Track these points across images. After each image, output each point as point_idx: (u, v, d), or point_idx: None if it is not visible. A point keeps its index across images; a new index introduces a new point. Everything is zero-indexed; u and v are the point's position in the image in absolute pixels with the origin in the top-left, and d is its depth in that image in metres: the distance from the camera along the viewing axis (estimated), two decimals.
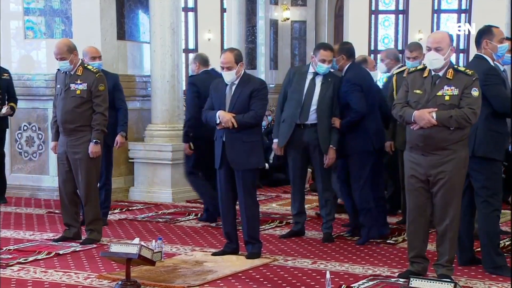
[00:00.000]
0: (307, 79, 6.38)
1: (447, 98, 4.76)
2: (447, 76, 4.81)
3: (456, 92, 4.76)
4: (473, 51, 20.66)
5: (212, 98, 5.77)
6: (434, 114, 4.73)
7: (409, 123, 4.88)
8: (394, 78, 6.92)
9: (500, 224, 5.41)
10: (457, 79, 4.79)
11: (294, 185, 6.60)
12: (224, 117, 5.54)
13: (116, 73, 7.61)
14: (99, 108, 6.16)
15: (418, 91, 4.88)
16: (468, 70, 4.88)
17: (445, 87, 4.78)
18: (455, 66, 4.89)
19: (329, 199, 6.49)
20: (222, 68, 5.63)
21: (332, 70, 6.45)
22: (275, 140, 6.54)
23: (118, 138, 7.09)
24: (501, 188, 5.25)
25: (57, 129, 6.33)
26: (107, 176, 7.20)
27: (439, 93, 4.79)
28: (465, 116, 4.71)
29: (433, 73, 4.87)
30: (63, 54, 6.14)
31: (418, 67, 5.07)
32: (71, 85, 6.15)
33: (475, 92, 4.76)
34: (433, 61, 4.81)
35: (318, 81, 6.35)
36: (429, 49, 4.83)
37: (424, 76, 4.89)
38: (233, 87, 5.65)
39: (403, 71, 6.87)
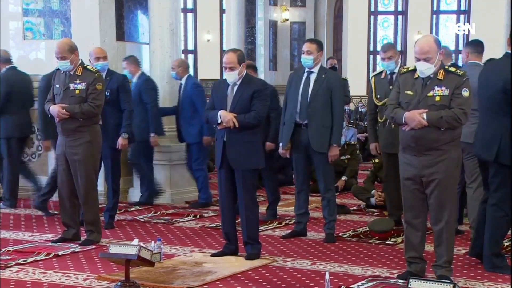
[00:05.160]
0: (303, 78, 6.40)
1: (437, 98, 4.77)
2: (438, 77, 4.81)
3: (446, 92, 4.76)
4: None
5: (214, 98, 5.77)
6: (424, 115, 4.74)
7: (401, 124, 4.90)
8: (372, 80, 7.02)
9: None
10: (448, 79, 4.80)
11: (298, 185, 6.60)
12: (225, 117, 5.54)
13: (124, 74, 7.62)
14: (90, 102, 6.10)
15: (409, 92, 4.89)
16: (459, 71, 4.89)
17: (436, 88, 4.79)
18: (446, 67, 4.89)
19: (331, 200, 6.49)
20: (225, 68, 5.62)
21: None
22: (281, 144, 6.55)
23: (120, 140, 7.07)
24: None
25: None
26: (114, 180, 7.20)
27: (430, 93, 4.80)
28: (456, 116, 4.72)
29: None
30: (64, 53, 6.13)
31: (410, 68, 5.06)
32: (70, 85, 6.14)
33: (466, 93, 4.76)
34: (424, 71, 4.82)
35: (312, 78, 6.37)
36: (417, 59, 4.83)
37: (415, 77, 4.90)
38: (235, 88, 5.65)
39: (381, 72, 6.98)
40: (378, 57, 22.17)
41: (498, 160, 5.14)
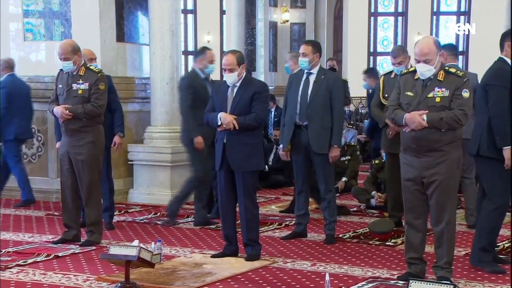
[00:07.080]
0: (302, 79, 6.40)
1: (437, 99, 4.78)
2: (438, 78, 4.81)
3: (446, 93, 4.77)
4: (473, 53, 20.66)
5: (214, 100, 5.77)
6: (424, 116, 4.74)
7: (401, 126, 4.90)
8: (381, 79, 7.01)
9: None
10: (448, 80, 4.80)
11: (298, 186, 6.60)
12: (225, 118, 5.54)
13: (109, 75, 7.58)
14: (93, 102, 6.12)
15: (409, 93, 4.89)
16: (459, 72, 4.90)
17: (436, 89, 4.79)
18: (446, 68, 4.90)
19: (331, 201, 6.48)
20: (224, 70, 5.62)
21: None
22: (281, 146, 6.55)
23: (116, 139, 7.07)
24: (507, 187, 5.24)
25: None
26: (109, 178, 7.20)
27: (430, 95, 4.80)
28: (456, 117, 4.72)
29: None
30: (67, 54, 6.14)
31: (410, 69, 5.07)
32: (73, 85, 6.16)
33: (466, 93, 4.77)
34: (424, 72, 4.83)
35: (312, 79, 6.37)
36: (417, 61, 4.83)
37: (415, 78, 4.90)
38: (235, 89, 5.65)
39: (391, 72, 6.98)
40: (379, 58, 22.28)
41: (480, 153, 5.20)
